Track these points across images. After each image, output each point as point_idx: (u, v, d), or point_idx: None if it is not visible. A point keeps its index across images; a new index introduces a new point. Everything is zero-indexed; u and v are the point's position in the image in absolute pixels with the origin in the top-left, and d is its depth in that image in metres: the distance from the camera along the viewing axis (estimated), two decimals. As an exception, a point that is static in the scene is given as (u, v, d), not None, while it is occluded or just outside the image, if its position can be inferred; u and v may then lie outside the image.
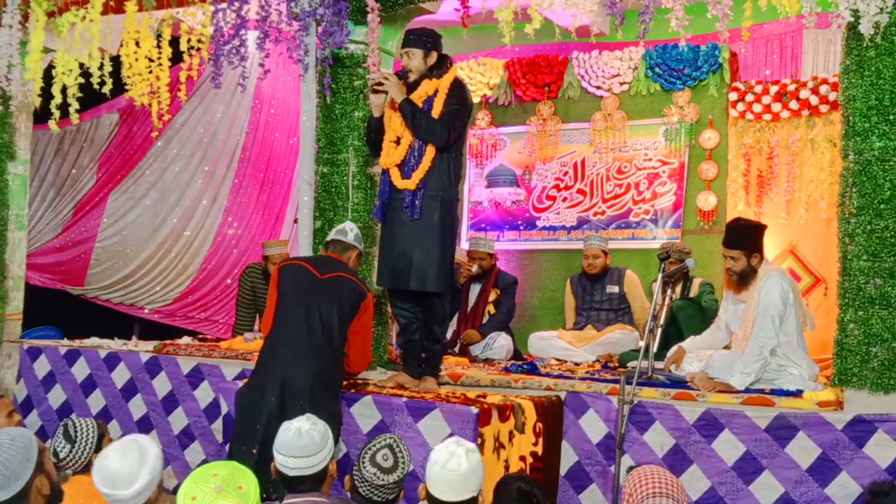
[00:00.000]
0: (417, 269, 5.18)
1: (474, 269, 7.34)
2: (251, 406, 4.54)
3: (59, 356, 6.61)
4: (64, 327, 8.07)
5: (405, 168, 5.25)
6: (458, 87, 5.33)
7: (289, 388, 4.51)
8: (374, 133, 5.41)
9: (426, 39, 5.33)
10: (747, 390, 4.98)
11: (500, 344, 7.13)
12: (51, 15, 6.90)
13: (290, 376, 4.53)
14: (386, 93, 5.29)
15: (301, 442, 3.29)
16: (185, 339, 7.44)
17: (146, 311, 9.25)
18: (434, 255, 5.19)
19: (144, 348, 6.63)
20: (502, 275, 7.56)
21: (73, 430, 3.77)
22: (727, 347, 5.64)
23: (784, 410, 4.52)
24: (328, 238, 5.22)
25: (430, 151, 5.21)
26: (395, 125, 5.32)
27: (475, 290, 7.45)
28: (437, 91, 5.27)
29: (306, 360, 4.59)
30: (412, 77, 5.30)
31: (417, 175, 5.21)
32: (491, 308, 7.39)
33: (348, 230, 5.17)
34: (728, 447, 4.50)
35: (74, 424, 3.79)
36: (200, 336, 7.91)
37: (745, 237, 5.32)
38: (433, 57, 5.33)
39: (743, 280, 5.30)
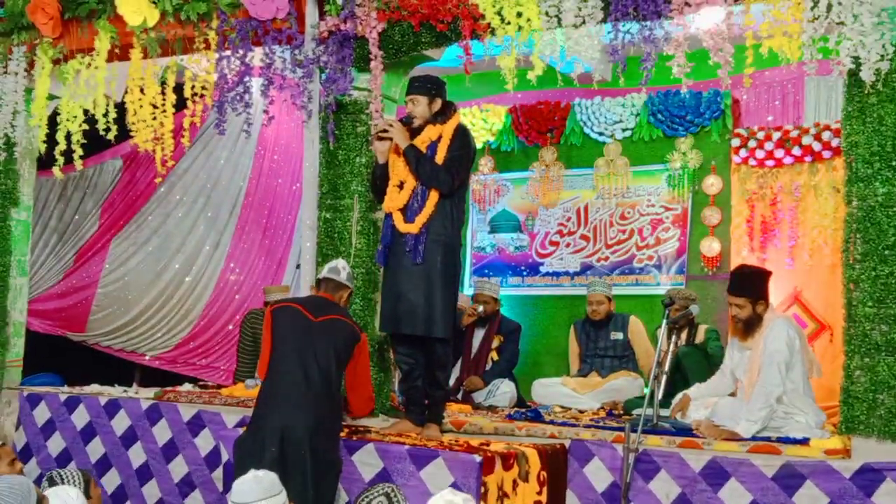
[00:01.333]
0: (420, 314, 5.17)
1: (480, 309, 7.33)
2: (251, 456, 4.50)
3: (58, 403, 6.58)
4: (65, 374, 8.04)
5: (408, 212, 5.27)
6: (461, 133, 5.36)
7: (289, 438, 4.48)
8: (380, 180, 5.44)
9: (430, 86, 5.38)
10: (754, 438, 4.94)
11: (503, 391, 7.09)
12: (56, 62, 6.99)
13: (290, 425, 4.50)
14: (391, 139, 5.32)
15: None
16: (186, 386, 7.41)
17: (147, 357, 9.22)
18: (437, 300, 5.19)
19: (145, 395, 6.61)
20: (506, 321, 7.55)
21: (59, 479, 3.74)
22: (733, 395, 5.61)
23: (791, 459, 4.48)
24: (320, 275, 5.20)
25: (434, 196, 5.23)
26: (398, 169, 5.35)
27: (478, 336, 7.43)
28: (440, 137, 5.31)
29: (305, 408, 4.56)
30: (416, 123, 5.34)
31: (420, 219, 5.23)
32: (494, 355, 7.37)
33: (340, 269, 5.16)
34: (735, 496, 4.45)
35: (60, 475, 3.77)
36: (202, 383, 7.88)
37: (750, 284, 5.31)
38: (437, 103, 5.37)
39: (748, 327, 5.29)
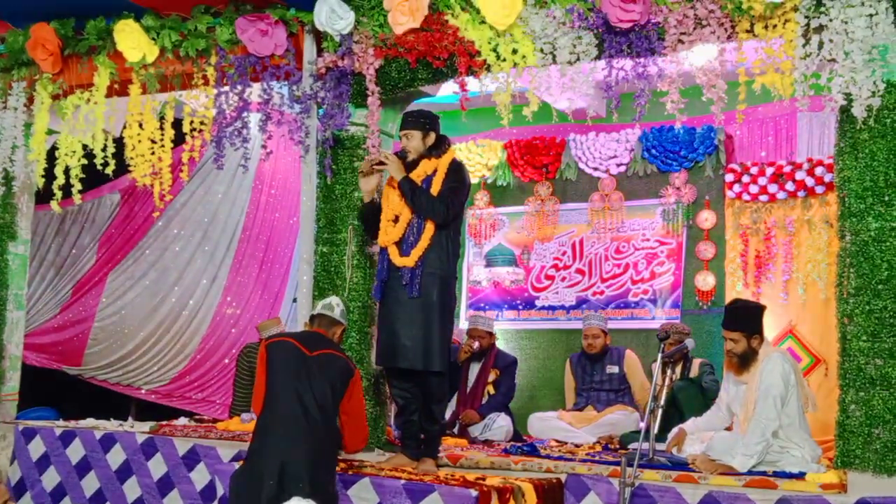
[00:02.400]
0: (417, 348, 5.17)
1: (475, 346, 7.32)
2: (248, 490, 4.47)
3: (54, 437, 6.54)
4: (60, 407, 8.00)
5: (404, 245, 5.29)
6: (456, 167, 5.41)
7: (288, 472, 4.45)
8: (369, 218, 5.51)
9: (424, 121, 5.43)
10: (750, 473, 4.92)
11: (499, 425, 7.07)
12: (55, 98, 7.03)
13: (289, 459, 4.48)
14: (382, 172, 5.37)
15: None
16: (182, 420, 7.37)
17: (143, 391, 9.18)
18: (434, 334, 5.20)
19: (140, 429, 6.57)
20: (502, 355, 7.53)
21: None
22: (729, 429, 5.60)
23: (787, 493, 4.46)
24: (314, 311, 5.19)
25: (429, 229, 5.25)
26: (393, 203, 5.37)
27: (474, 370, 7.41)
28: (436, 170, 5.35)
29: (304, 442, 4.54)
30: (410, 157, 5.39)
31: (416, 252, 5.24)
32: (490, 388, 7.34)
33: (335, 305, 5.15)
34: (731, 531, 4.43)
35: None
36: (197, 417, 7.84)
37: (745, 319, 5.32)
38: (431, 137, 5.42)
39: (744, 362, 5.29)
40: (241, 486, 4.56)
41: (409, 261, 5.25)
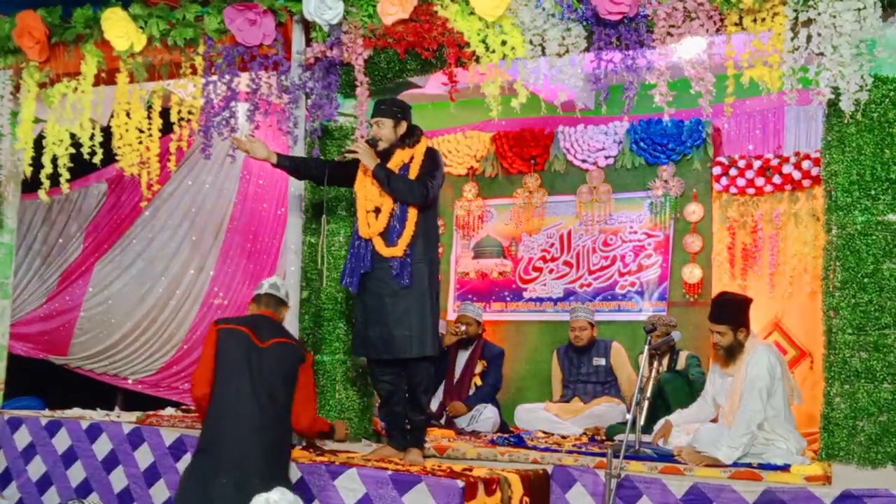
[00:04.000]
0: (413, 336, 5.16)
1: (462, 328, 7.34)
2: (200, 488, 4.45)
3: (40, 427, 6.51)
4: (46, 397, 7.96)
5: (390, 236, 5.27)
6: (432, 153, 5.43)
7: (243, 469, 4.45)
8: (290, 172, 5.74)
9: (396, 109, 5.42)
10: (735, 464, 4.94)
11: (486, 416, 7.07)
12: (42, 86, 6.98)
13: (243, 456, 4.47)
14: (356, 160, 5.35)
15: None
16: (169, 410, 7.35)
17: (130, 381, 9.15)
18: (428, 319, 5.21)
19: (127, 419, 6.55)
20: (489, 346, 7.54)
21: None
22: (714, 421, 5.62)
23: (772, 485, 4.48)
24: (260, 290, 5.17)
25: (413, 216, 5.24)
26: (370, 194, 5.35)
27: (461, 361, 7.42)
28: (412, 158, 5.35)
29: (258, 438, 4.55)
30: (381, 146, 5.37)
31: (404, 241, 5.23)
32: (477, 380, 7.35)
33: (280, 285, 5.16)
34: (716, 522, 4.44)
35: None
36: (184, 407, 7.82)
37: (731, 312, 5.34)
38: (403, 127, 5.41)
39: (730, 354, 5.32)
40: (192, 483, 4.53)
41: (397, 250, 5.23)
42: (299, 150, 6.02)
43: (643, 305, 8.06)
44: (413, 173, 5.30)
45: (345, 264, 5.49)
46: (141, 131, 6.82)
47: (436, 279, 5.36)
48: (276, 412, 4.67)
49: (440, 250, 6.01)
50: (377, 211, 5.32)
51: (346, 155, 5.39)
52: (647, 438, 5.64)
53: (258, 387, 4.66)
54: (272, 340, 4.82)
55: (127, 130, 6.77)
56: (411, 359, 5.21)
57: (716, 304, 5.47)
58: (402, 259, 5.22)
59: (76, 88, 6.79)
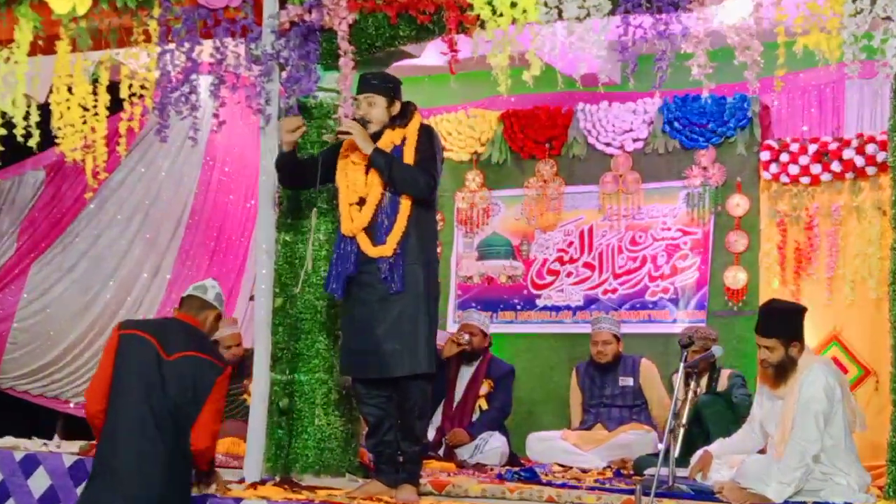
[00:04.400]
0: (402, 351, 5.15)
1: (466, 338, 7.32)
2: None
3: (-35, 459, 6.51)
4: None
5: (377, 232, 5.26)
6: (428, 132, 5.44)
7: (140, 499, 4.51)
8: (288, 168, 5.67)
9: (391, 86, 5.43)
10: (786, 503, 4.94)
11: (492, 446, 7.07)
12: (-34, 57, 6.97)
13: (140, 485, 4.52)
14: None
15: None
16: (118, 439, 7.33)
17: (72, 405, 9.13)
18: (423, 331, 5.20)
19: (69, 449, 6.54)
20: (496, 363, 7.53)
21: None
22: (762, 452, 5.61)
23: (830, 527, 4.48)
24: (184, 293, 5.21)
25: (405, 207, 5.24)
26: (355, 183, 5.34)
27: (463, 380, 7.42)
28: (404, 139, 5.35)
29: (158, 465, 4.60)
30: (371, 129, 5.35)
31: (393, 238, 5.22)
32: (482, 403, 7.35)
33: (209, 287, 5.17)
34: (764, 572, 4.45)
35: None
36: (136, 435, 7.81)
37: (782, 323, 5.33)
38: (397, 107, 5.41)
39: (780, 373, 5.30)
40: None
41: (386, 250, 5.22)
42: (272, 132, 6.02)
43: (678, 315, 8.06)
44: (408, 157, 5.30)
45: (329, 267, 5.49)
46: (85, 109, 6.80)
47: (433, 284, 5.36)
48: (179, 436, 4.72)
49: (438, 249, 6.00)
50: (361, 202, 5.32)
51: (339, 136, 5.37)
52: (682, 472, 5.64)
53: (159, 406, 4.69)
54: (180, 353, 4.82)
55: (68, 108, 6.76)
56: (403, 378, 5.21)
57: (763, 314, 5.46)
58: (391, 259, 5.21)
59: (8, 59, 6.78)
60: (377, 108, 5.38)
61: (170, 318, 5.14)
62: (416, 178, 5.24)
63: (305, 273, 5.93)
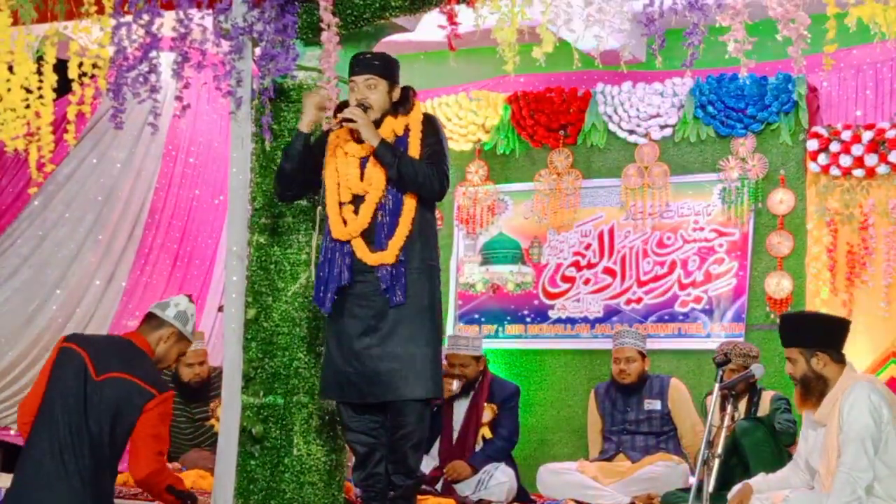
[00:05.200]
0: (409, 372, 5.16)
1: (455, 387, 7.29)
2: None
3: None
4: None
5: (376, 236, 5.26)
6: (432, 122, 5.48)
7: None
8: (297, 164, 5.54)
9: (393, 68, 5.45)
10: (837, 543, 4.95)
11: (498, 480, 7.08)
12: None
13: None
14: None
15: None
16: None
17: (13, 432, 9.15)
18: (428, 349, 5.22)
19: (8, 483, 6.55)
20: (498, 383, 7.50)
21: None
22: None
23: (887, 572, 4.49)
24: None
25: (409, 208, 5.25)
26: (349, 179, 5.34)
27: (461, 407, 7.39)
28: (407, 129, 5.36)
29: (65, 493, 4.73)
30: (372, 115, 5.36)
31: (396, 243, 5.23)
32: (486, 431, 7.33)
33: (172, 304, 5.34)
34: None
35: None
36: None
37: (802, 331, 5.38)
38: (397, 92, 5.43)
39: (807, 390, 5.32)
40: None
41: (387, 256, 5.21)
42: (244, 116, 6.03)
43: (712, 329, 8.08)
44: (413, 150, 5.31)
45: (315, 276, 5.50)
46: (28, 91, 6.81)
47: (438, 295, 5.39)
48: (98, 463, 4.86)
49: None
50: (356, 201, 5.32)
51: (343, 123, 5.35)
52: (717, 510, 5.65)
53: (77, 428, 4.86)
54: (109, 374, 5.00)
55: (9, 90, 6.76)
56: (400, 401, 5.21)
57: (783, 321, 5.50)
58: (394, 267, 5.22)
59: (-61, 33, 6.80)
60: (378, 93, 5.38)
61: (114, 336, 5.33)
62: (427, 175, 5.25)
63: (307, 279, 5.93)
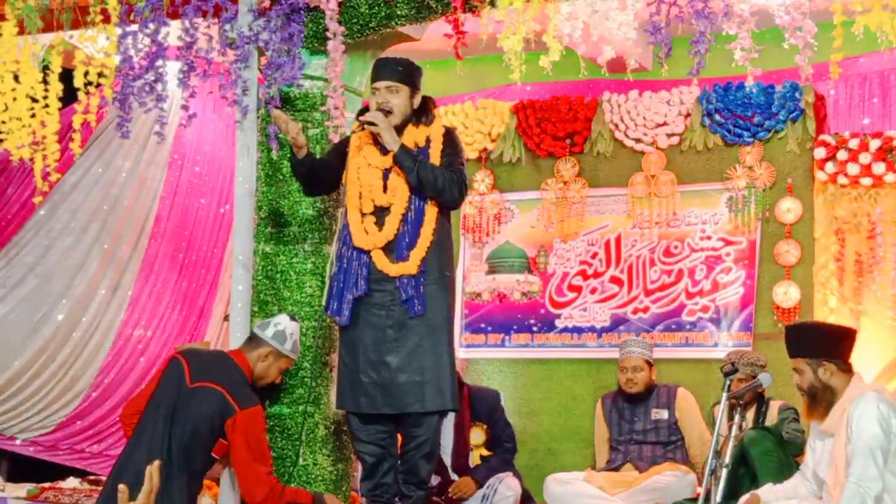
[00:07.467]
0: (429, 383, 5.16)
1: None
2: None
3: None
4: None
5: (397, 247, 5.27)
6: (452, 134, 5.51)
7: None
8: (310, 175, 5.59)
9: (416, 73, 5.46)
10: (847, 554, 4.94)
11: (503, 494, 7.00)
12: None
13: None
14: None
15: None
16: (71, 482, 7.35)
17: (18, 441, 9.15)
18: (447, 361, 5.25)
19: (15, 493, 6.56)
20: (477, 396, 7.25)
21: None
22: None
23: (897, 583, 4.48)
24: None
25: (430, 220, 5.27)
26: (371, 187, 5.35)
27: (445, 434, 7.11)
28: (428, 140, 5.36)
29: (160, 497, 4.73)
30: (392, 121, 5.36)
31: (418, 254, 5.25)
32: (483, 451, 7.23)
33: (272, 324, 5.46)
34: None
35: None
36: (92, 477, 7.82)
37: (810, 340, 5.35)
38: (418, 99, 5.43)
39: (814, 401, 5.31)
40: None
41: (409, 266, 5.23)
42: (250, 125, 6.04)
43: (720, 338, 8.07)
44: (433, 161, 5.35)
45: (329, 286, 5.50)
46: (34, 100, 6.83)
47: (454, 306, 5.44)
48: (188, 471, 5.07)
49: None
50: (380, 212, 5.33)
51: (364, 125, 5.35)
52: (725, 520, 5.64)
53: (171, 435, 5.07)
54: (201, 383, 5.17)
55: (15, 99, 6.78)
56: (416, 413, 5.22)
57: (789, 333, 5.50)
58: (415, 278, 5.22)
59: (-55, 42, 6.82)
60: (399, 98, 5.40)
61: (216, 350, 5.65)
62: (448, 184, 5.27)
63: (288, 291, 5.95)
